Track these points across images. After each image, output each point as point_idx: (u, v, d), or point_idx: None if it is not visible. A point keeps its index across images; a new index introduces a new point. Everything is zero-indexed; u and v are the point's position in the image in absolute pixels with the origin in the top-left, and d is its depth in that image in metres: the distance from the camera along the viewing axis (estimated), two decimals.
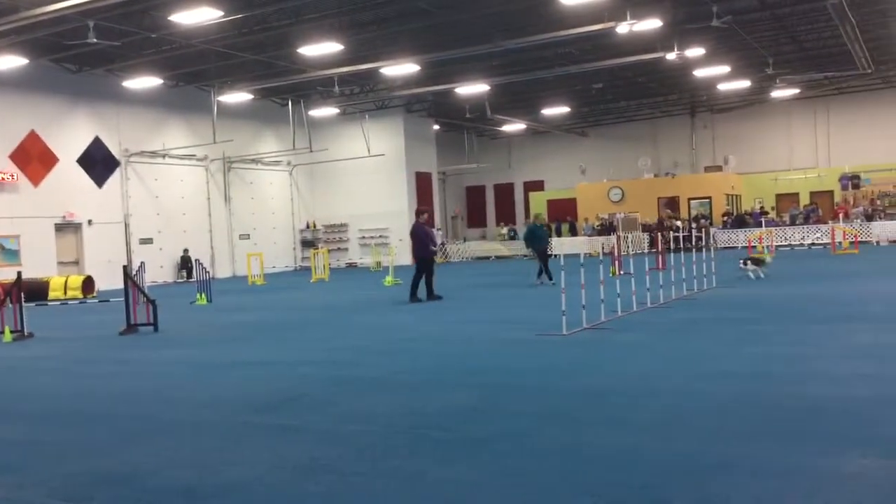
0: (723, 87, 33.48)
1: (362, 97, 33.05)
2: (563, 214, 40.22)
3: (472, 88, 29.78)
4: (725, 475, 4.62)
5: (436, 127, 39.32)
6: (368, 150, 33.97)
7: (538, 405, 6.73)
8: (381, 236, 35.97)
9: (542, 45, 25.12)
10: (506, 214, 45.41)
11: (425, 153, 38.02)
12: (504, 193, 46.64)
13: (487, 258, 37.20)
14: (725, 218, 36.13)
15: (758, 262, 18.09)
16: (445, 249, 37.57)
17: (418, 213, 17.29)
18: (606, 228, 35.46)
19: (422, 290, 16.42)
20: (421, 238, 16.57)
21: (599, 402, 6.70)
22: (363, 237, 36.88)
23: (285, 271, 34.83)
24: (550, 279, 18.36)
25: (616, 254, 18.31)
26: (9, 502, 4.84)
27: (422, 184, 37.20)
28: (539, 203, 42.55)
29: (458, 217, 46.66)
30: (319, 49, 22.76)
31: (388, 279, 22.63)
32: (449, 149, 42.45)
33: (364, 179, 36.18)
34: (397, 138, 36.15)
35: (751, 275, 17.25)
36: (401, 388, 7.78)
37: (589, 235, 35.98)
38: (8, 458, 5.85)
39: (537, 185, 44.71)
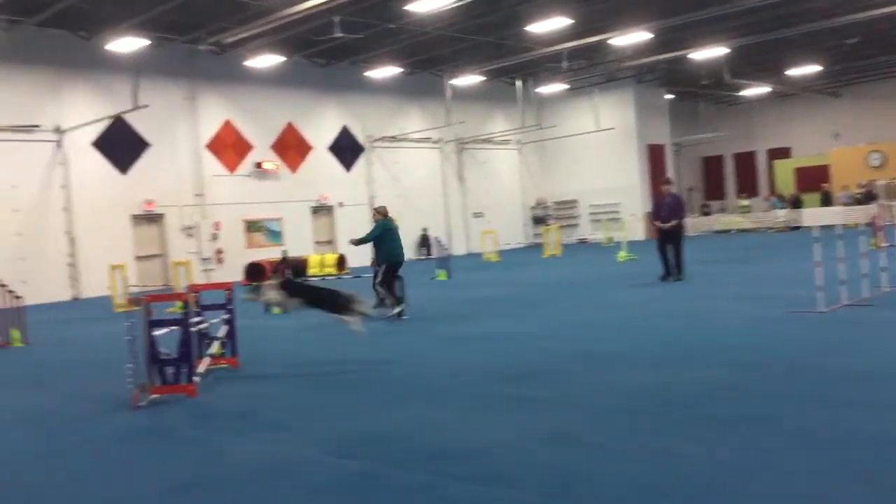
0: None
1: (591, 71, 32.56)
2: (814, 183, 37.06)
3: (709, 53, 28.24)
4: None
5: (668, 96, 37.81)
6: (598, 125, 33.47)
7: (792, 386, 6.35)
8: (612, 211, 35.36)
9: (786, 0, 23.21)
10: (747, 185, 42.74)
11: (657, 124, 36.71)
12: (745, 163, 43.89)
13: (727, 231, 35.31)
14: None
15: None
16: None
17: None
18: (866, 196, 32.11)
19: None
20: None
21: (862, 385, 6.19)
22: (594, 213, 36.48)
23: (517, 248, 35.41)
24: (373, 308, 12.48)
25: (879, 224, 16.54)
26: (290, 456, 5.43)
27: (654, 156, 36.02)
28: (785, 171, 39.59)
29: (693, 189, 44.65)
30: (548, 25, 22.73)
31: (622, 254, 22.25)
32: (682, 118, 40.66)
33: (594, 154, 35.71)
34: (627, 111, 35.26)
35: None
36: (643, 363, 7.68)
37: (846, 205, 32.81)
38: (286, 419, 6.55)
39: (783, 153, 41.57)
